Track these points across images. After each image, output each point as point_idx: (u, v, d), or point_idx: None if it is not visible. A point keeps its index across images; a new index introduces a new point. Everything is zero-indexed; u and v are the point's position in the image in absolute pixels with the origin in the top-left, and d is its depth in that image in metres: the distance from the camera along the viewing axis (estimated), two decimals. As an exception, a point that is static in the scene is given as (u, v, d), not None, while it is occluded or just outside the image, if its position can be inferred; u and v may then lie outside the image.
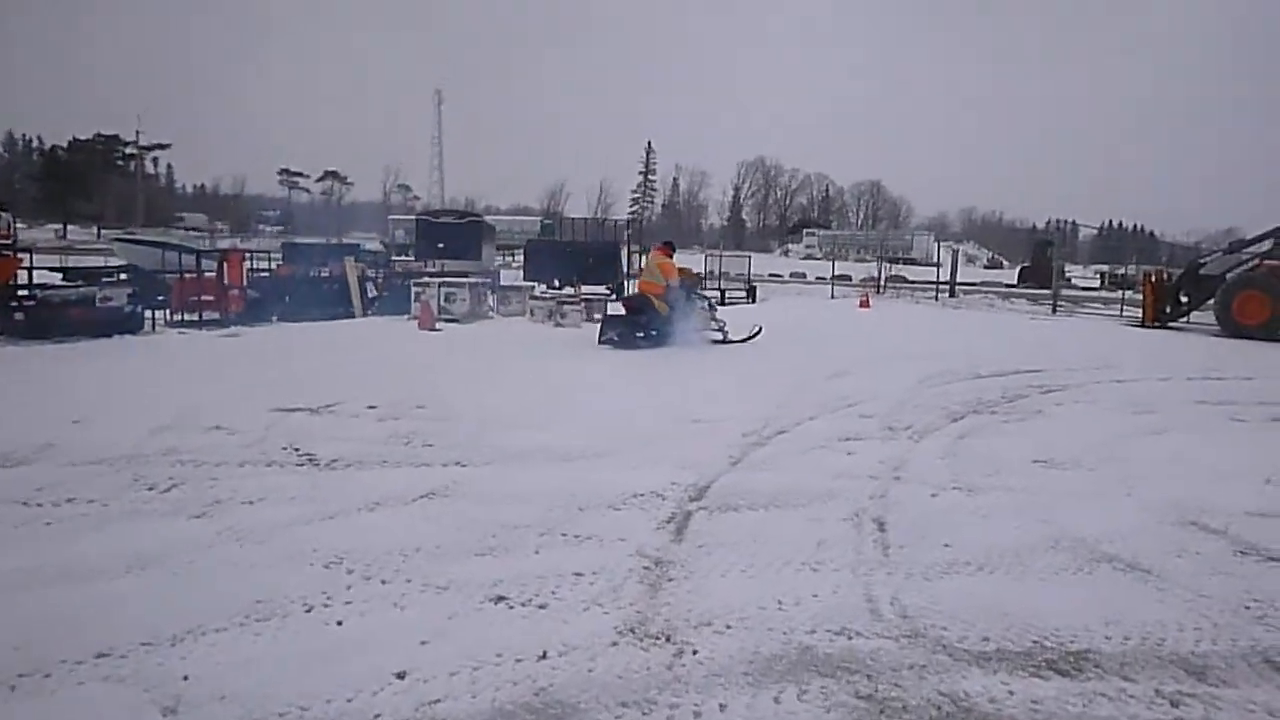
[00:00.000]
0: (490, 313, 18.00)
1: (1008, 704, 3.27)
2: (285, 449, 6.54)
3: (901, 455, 6.93)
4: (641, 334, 13.32)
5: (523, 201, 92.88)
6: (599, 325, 14.00)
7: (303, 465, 6.14)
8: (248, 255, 18.59)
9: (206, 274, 15.76)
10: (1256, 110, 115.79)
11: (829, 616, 3.91)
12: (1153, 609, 4.21)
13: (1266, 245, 19.53)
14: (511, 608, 3.89)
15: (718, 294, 18.86)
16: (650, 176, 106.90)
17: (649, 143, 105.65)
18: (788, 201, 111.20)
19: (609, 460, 6.47)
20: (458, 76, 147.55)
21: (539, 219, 55.73)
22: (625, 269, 23.49)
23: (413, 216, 34.86)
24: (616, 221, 53.13)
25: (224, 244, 34.93)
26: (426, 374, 10.30)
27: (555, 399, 9.04)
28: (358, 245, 23.87)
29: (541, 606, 3.91)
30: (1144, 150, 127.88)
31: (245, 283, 16.43)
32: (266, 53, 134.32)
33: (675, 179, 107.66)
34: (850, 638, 3.73)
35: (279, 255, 22.45)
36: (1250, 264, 19.47)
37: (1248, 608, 4.29)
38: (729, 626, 3.77)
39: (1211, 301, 19.71)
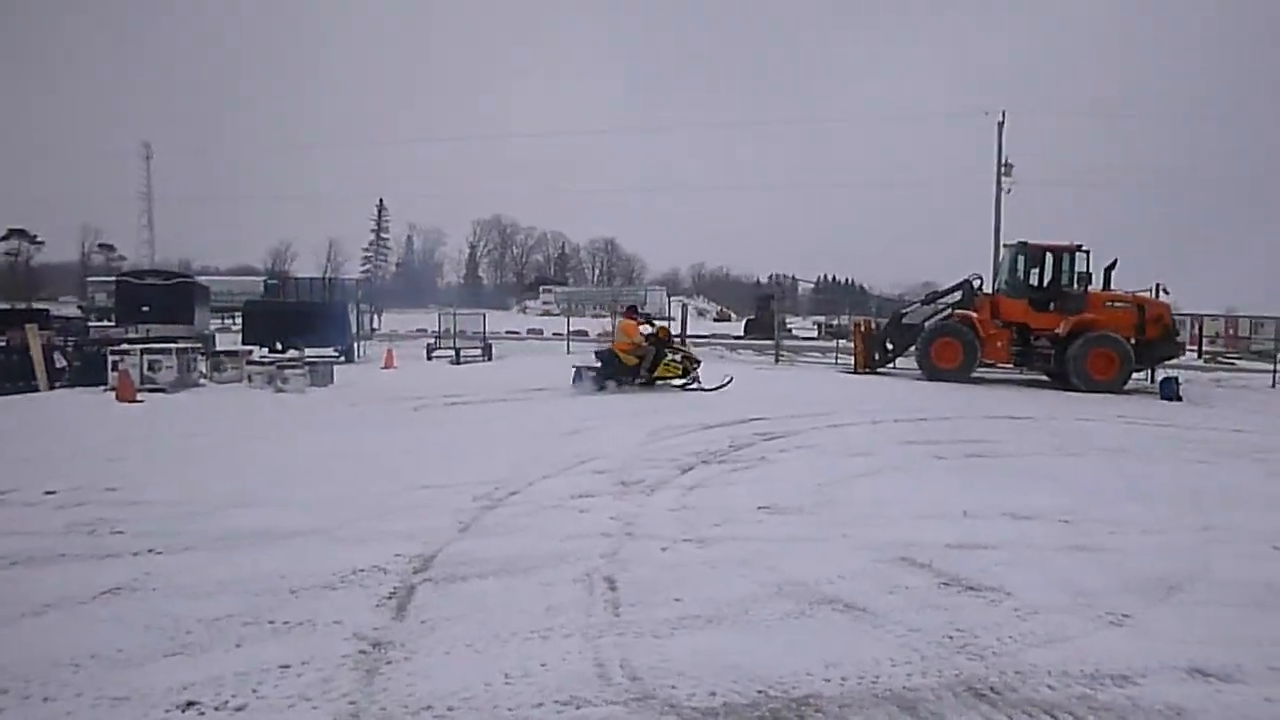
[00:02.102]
0: (201, 380, 16.64)
1: (734, 761, 3.24)
2: (-65, 547, 5.61)
3: (634, 511, 6.94)
4: (608, 380, 16.10)
5: (246, 261, 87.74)
6: (574, 372, 16.36)
7: (-45, 566, 5.27)
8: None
9: None
10: (948, 178, 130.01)
11: (558, 687, 3.76)
12: (869, 647, 4.38)
13: (957, 296, 21.70)
14: (203, 714, 3.45)
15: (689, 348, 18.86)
16: (383, 235, 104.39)
17: (380, 200, 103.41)
18: (524, 259, 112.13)
19: (328, 536, 6.01)
20: (170, 128, 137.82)
21: (263, 279, 52.84)
22: (356, 329, 22.57)
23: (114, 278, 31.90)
24: (345, 281, 51.44)
25: None
26: (120, 451, 9.26)
27: (270, 471, 8.33)
28: (45, 311, 21.36)
29: (240, 709, 3.50)
30: (854, 210, 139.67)
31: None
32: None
33: (410, 237, 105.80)
34: (579, 707, 3.59)
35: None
36: (945, 313, 21.55)
37: (951, 638, 4.55)
38: (451, 709, 3.53)
39: (913, 348, 21.62)
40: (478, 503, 7.02)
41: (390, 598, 4.82)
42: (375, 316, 34.30)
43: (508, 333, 33.72)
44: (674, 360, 16.75)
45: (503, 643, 4.23)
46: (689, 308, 42.17)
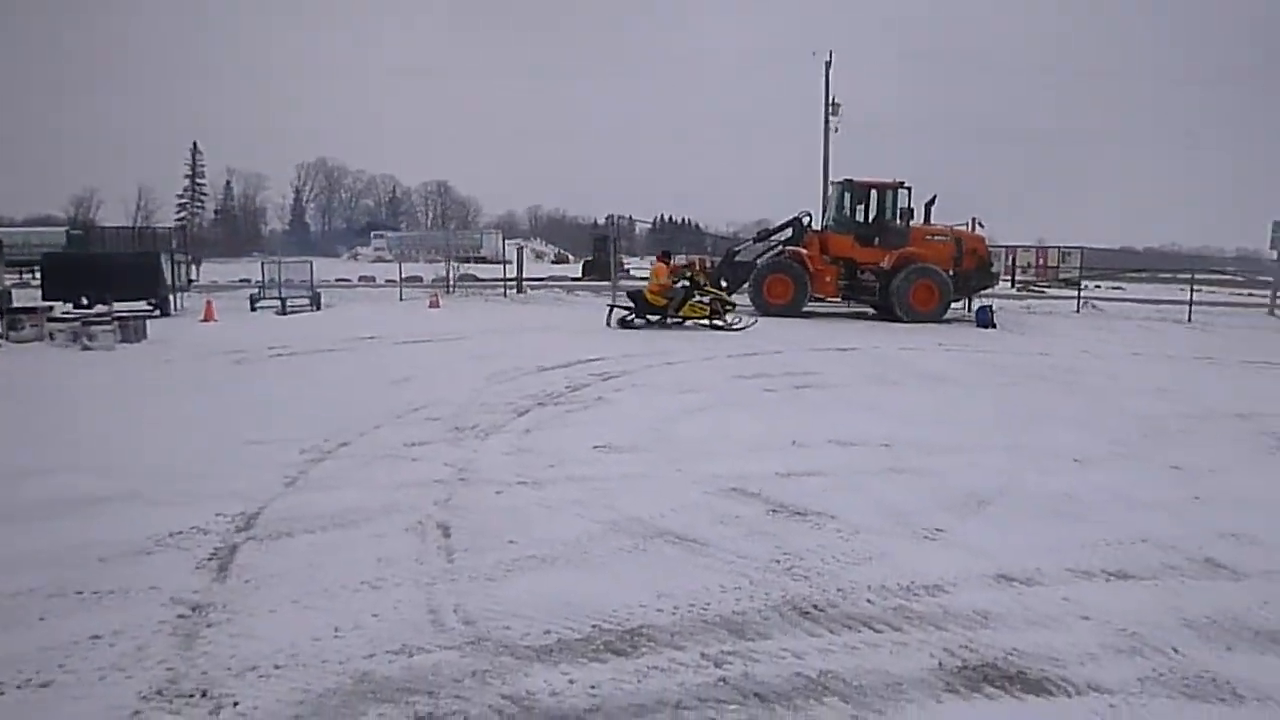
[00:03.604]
0: (-5, 340, 15.33)
1: (568, 694, 3.29)
2: None
3: (468, 456, 6.89)
4: (637, 317, 17.41)
5: (45, 211, 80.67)
6: (608, 310, 18.07)
7: None
8: None
9: None
10: (778, 119, 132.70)
11: (390, 636, 3.72)
12: (700, 576, 4.52)
13: (787, 233, 22.26)
14: (3, 694, 3.23)
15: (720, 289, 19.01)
16: (199, 180, 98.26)
17: (195, 144, 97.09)
18: (354, 203, 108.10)
19: (142, 499, 5.67)
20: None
21: (65, 229, 48.87)
22: (171, 281, 21.20)
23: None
24: (155, 230, 48.31)
25: None
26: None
27: (75, 435, 7.79)
28: None
29: (44, 685, 3.29)
30: (690, 150, 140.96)
31: None
32: None
33: (228, 182, 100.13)
34: (411, 655, 3.56)
35: None
36: (776, 250, 22.09)
37: (778, 562, 4.75)
38: (277, 667, 3.43)
39: (747, 285, 22.11)
40: (305, 456, 6.80)
41: (211, 559, 4.62)
42: (193, 267, 32.40)
43: (338, 281, 32.41)
44: (701, 302, 17.55)
45: (332, 597, 4.14)
46: (526, 250, 41.66)
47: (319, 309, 22.48)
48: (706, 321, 17.54)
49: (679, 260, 18.44)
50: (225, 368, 11.88)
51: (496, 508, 5.59)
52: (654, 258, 21.21)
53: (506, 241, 38.40)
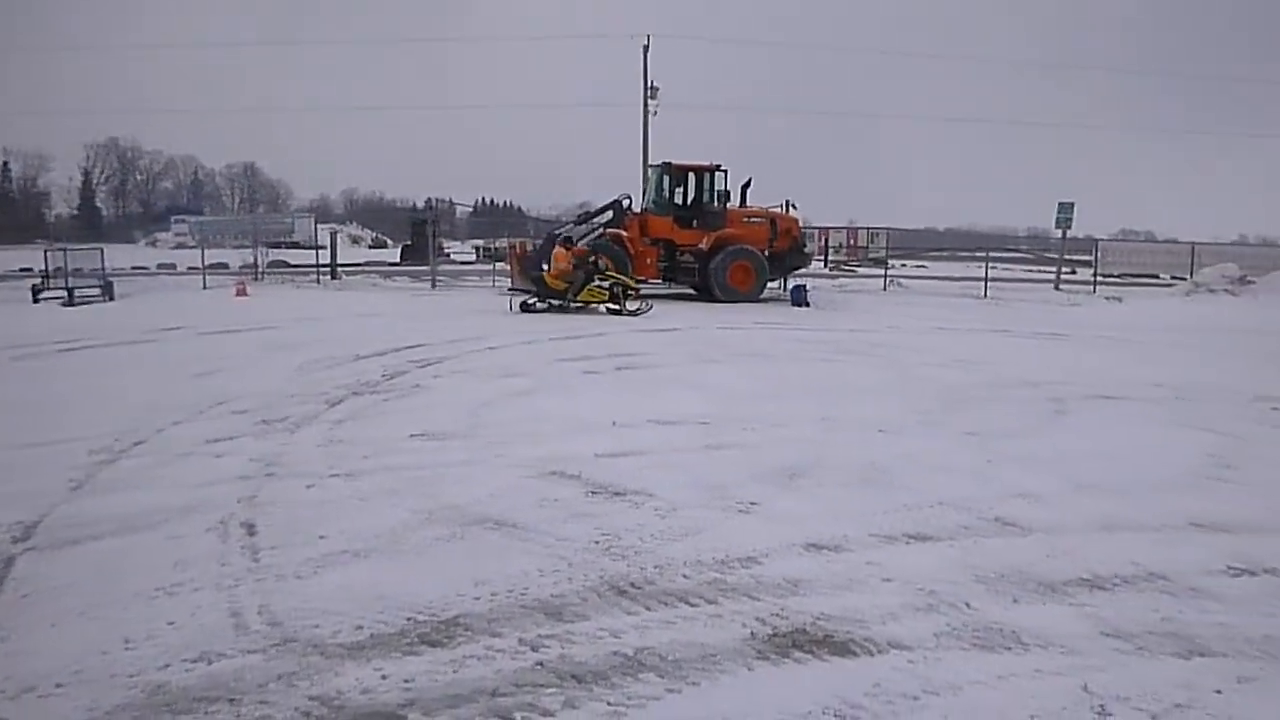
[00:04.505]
0: None
1: (380, 690, 3.21)
2: None
3: (276, 450, 6.58)
4: (539, 301, 17.89)
5: None
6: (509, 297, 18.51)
7: None
8: None
9: None
10: (601, 102, 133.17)
11: (186, 644, 3.51)
12: (518, 560, 4.49)
13: (608, 215, 22.37)
14: None
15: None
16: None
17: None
18: (151, 186, 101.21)
19: (-99, 511, 5.16)
20: None
21: None
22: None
23: None
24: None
25: None
26: None
27: None
28: None
29: None
30: (511, 134, 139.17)
31: None
32: None
33: (4, 163, 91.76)
34: (211, 662, 3.38)
35: None
36: (597, 233, 22.16)
37: (597, 543, 4.78)
38: (59, 686, 3.19)
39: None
40: (94, 457, 6.33)
41: (-19, 574, 4.24)
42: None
43: (135, 269, 30.30)
44: (600, 287, 17.88)
45: (123, 606, 3.87)
46: (340, 235, 40.24)
47: (113, 299, 20.97)
48: (604, 307, 17.75)
49: (582, 247, 18.62)
50: (2, 365, 10.90)
51: (307, 502, 5.37)
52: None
53: (320, 226, 36.84)
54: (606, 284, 18.01)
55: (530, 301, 17.97)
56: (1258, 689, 3.36)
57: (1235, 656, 3.61)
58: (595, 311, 17.68)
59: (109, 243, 37.44)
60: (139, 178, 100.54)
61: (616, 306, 17.83)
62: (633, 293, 18.32)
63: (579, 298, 17.79)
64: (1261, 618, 3.98)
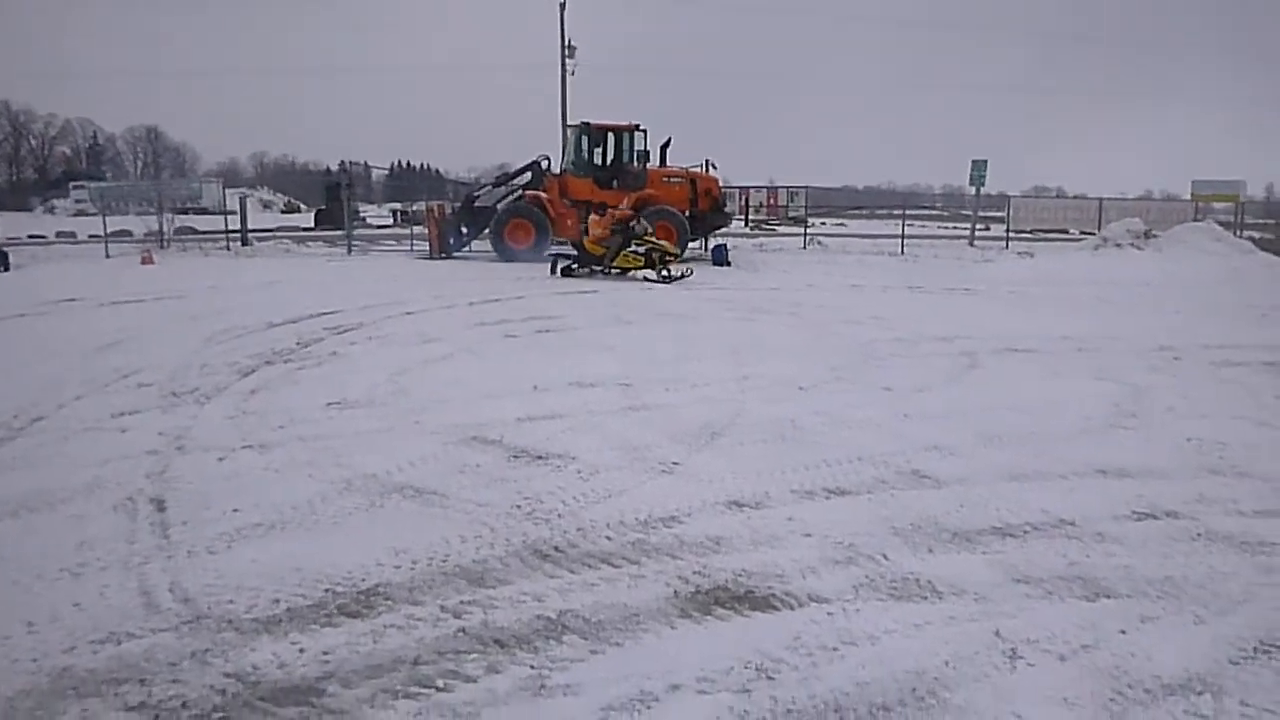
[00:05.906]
0: None
1: (298, 664, 3.16)
2: None
3: (185, 424, 6.38)
4: (581, 266, 17.63)
5: None
6: (551, 261, 18.00)
7: None
8: None
9: None
10: (519, 62, 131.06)
11: (94, 625, 3.40)
12: (439, 528, 4.45)
13: (527, 177, 22.08)
14: None
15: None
16: None
17: None
18: (46, 151, 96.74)
19: None
20: None
21: None
22: None
23: None
24: None
25: None
26: None
27: None
28: None
29: None
30: (427, 95, 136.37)
31: None
32: None
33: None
34: (120, 643, 3.28)
35: None
36: (516, 195, 21.88)
37: (519, 507, 4.76)
38: (-44, 675, 3.06)
39: (488, 230, 21.82)
40: (-13, 435, 6.07)
41: None
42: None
43: (31, 238, 28.99)
44: (636, 252, 17.30)
45: (24, 590, 3.73)
46: (251, 200, 39.05)
47: (8, 270, 20.06)
48: (640, 274, 17.14)
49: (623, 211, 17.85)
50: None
51: (218, 475, 5.23)
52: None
53: (228, 190, 35.61)
54: (642, 249, 17.35)
55: (572, 266, 17.66)
56: (1159, 628, 3.51)
57: (1138, 597, 3.76)
58: (633, 279, 17.05)
59: (2, 210, 35.67)
60: (32, 142, 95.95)
61: (649, 274, 17.16)
62: (670, 258, 17.60)
63: (614, 264, 17.43)
64: (1163, 559, 4.16)
